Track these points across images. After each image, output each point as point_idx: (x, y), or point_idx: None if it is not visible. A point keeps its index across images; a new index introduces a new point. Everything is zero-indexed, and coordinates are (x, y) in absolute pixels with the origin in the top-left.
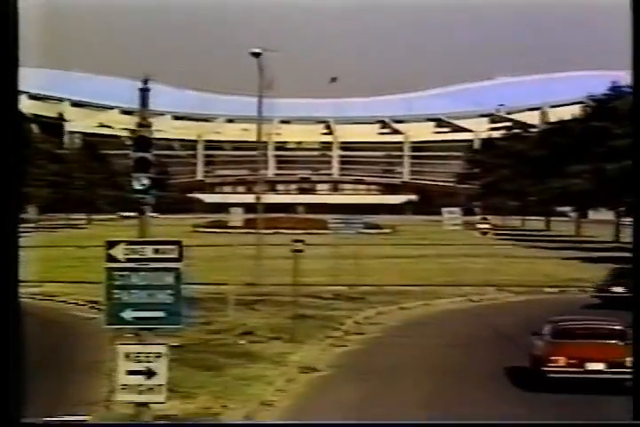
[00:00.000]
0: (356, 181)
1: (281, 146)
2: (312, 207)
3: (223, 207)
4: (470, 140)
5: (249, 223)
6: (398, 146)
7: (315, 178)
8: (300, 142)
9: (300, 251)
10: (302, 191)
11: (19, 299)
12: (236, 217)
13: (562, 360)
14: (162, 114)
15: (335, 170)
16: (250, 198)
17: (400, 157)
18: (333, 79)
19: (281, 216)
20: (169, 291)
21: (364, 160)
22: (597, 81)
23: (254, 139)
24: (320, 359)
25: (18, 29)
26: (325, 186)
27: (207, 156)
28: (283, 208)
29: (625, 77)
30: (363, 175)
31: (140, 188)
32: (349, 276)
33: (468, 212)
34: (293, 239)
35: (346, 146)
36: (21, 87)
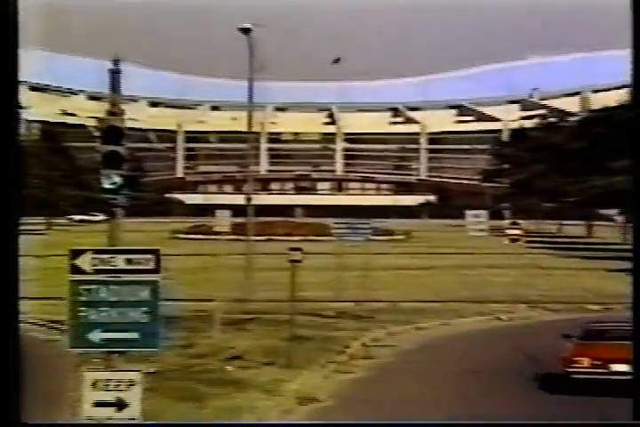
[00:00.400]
0: (364, 180)
1: (275, 138)
2: (312, 210)
3: (208, 210)
4: (498, 131)
5: (238, 229)
6: (413, 138)
7: (315, 175)
8: (297, 133)
9: (297, 261)
10: (300, 191)
11: (19, 299)
12: (223, 221)
13: (586, 361)
14: (136, 100)
15: (339, 166)
16: (239, 199)
17: (415, 150)
18: (337, 60)
19: (275, 220)
20: (144, 308)
21: (372, 154)
22: None
23: (244, 129)
24: (321, 388)
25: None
26: (327, 185)
27: (189, 149)
28: (277, 211)
29: None
30: (371, 172)
31: (110, 187)
32: (356, 290)
33: (495, 215)
34: (290, 247)
35: (352, 138)
36: None
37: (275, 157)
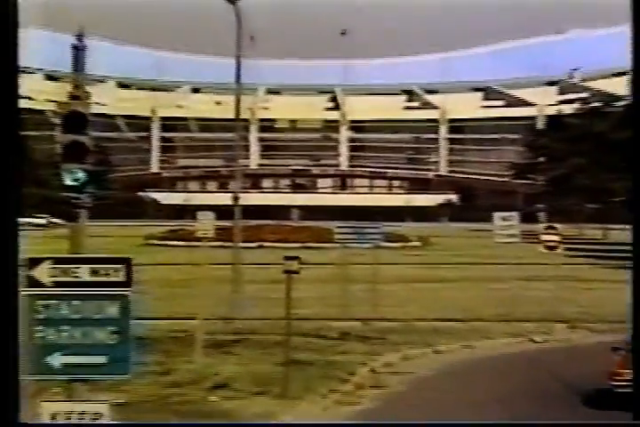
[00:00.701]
0: (373, 176)
1: (268, 126)
2: (311, 211)
3: (187, 211)
4: (532, 118)
5: (223, 234)
6: (432, 125)
7: (315, 171)
8: (294, 121)
9: (294, 272)
10: (297, 189)
11: (19, 299)
12: (206, 225)
13: (627, 374)
14: (102, 80)
15: (343, 159)
16: (225, 199)
17: (434, 140)
18: (343, 32)
19: (268, 224)
20: (112, 327)
21: (383, 146)
22: None
23: (231, 116)
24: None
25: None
26: (330, 182)
27: (165, 139)
28: (270, 212)
29: None
30: (381, 167)
31: (72, 184)
32: (363, 307)
33: (528, 218)
34: (285, 256)
35: (359, 126)
36: None
37: (267, 148)
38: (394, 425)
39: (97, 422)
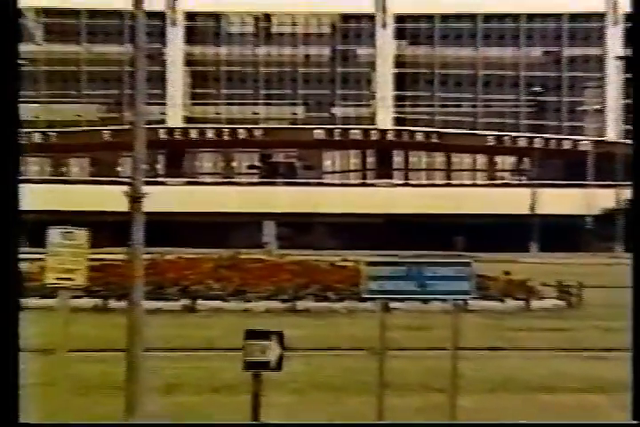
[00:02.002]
0: (454, 145)
1: (212, 28)
2: (305, 228)
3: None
4: None
5: (107, 277)
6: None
7: (318, 134)
8: (267, 17)
9: (268, 367)
10: (275, 174)
11: (19, 300)
12: (64, 256)
13: None
14: None
15: (383, 104)
16: (112, 199)
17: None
18: None
19: (210, 256)
20: None
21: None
22: None
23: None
24: None
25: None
26: (351, 157)
27: None
28: (219, 230)
29: None
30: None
31: None
32: None
33: None
34: (249, 331)
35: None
36: None
37: (204, 79)
38: (394, 425)
39: None
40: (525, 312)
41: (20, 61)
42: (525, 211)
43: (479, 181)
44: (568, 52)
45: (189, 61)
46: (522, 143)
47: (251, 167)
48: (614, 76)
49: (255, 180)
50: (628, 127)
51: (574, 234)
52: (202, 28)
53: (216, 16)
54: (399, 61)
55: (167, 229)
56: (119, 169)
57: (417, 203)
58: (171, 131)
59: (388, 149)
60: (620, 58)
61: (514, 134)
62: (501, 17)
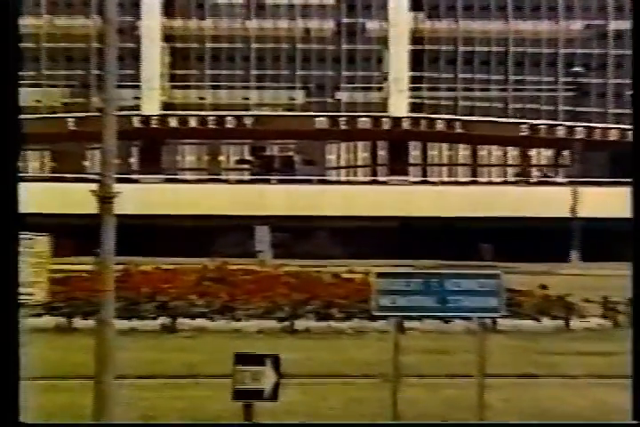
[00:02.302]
0: (482, 136)
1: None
2: (305, 233)
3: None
4: None
5: (75, 291)
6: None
7: (319, 123)
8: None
9: (263, 398)
10: (269, 169)
11: (19, 300)
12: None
13: None
14: None
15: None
16: (81, 199)
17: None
18: None
19: (194, 267)
20: None
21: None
22: None
23: None
24: None
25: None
26: (360, 150)
27: None
28: (209, 235)
29: None
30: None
31: None
32: None
33: None
34: (238, 355)
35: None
36: None
37: (185, 57)
38: (393, 425)
39: None
40: (564, 333)
41: None
42: (565, 213)
43: (510, 178)
44: (614, 25)
45: (168, 36)
46: (560, 133)
47: (240, 162)
48: None
49: (246, 177)
50: None
51: (622, 241)
52: None
53: None
54: (416, 37)
55: (142, 234)
56: (86, 164)
57: (436, 204)
58: (146, 119)
59: (403, 141)
60: None
61: (551, 123)
62: None
